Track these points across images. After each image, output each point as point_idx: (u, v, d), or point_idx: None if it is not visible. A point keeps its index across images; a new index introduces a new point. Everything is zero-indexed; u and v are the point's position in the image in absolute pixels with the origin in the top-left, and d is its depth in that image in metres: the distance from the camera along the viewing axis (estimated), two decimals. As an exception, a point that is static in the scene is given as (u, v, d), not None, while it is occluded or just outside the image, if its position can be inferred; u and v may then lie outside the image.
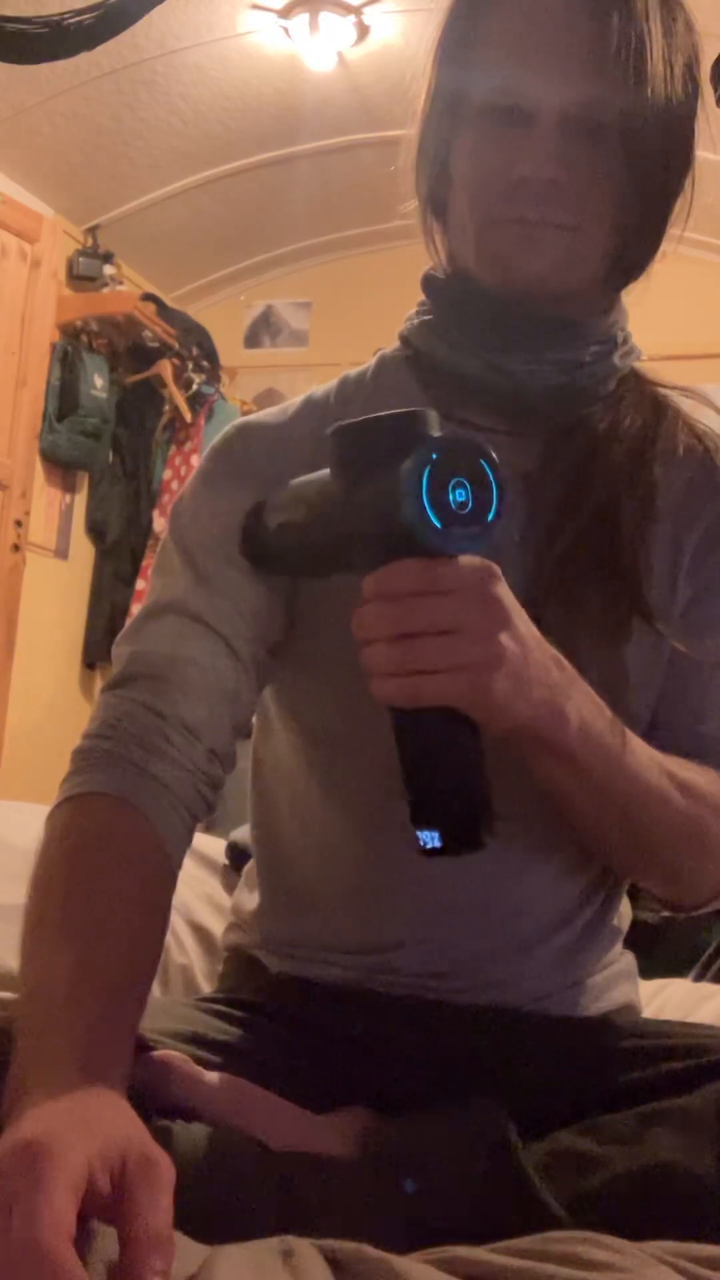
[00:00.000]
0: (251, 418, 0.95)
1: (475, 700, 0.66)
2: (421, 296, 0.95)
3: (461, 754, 0.68)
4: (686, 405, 0.95)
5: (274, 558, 0.81)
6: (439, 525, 0.63)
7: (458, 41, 0.85)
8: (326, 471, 0.72)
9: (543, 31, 0.81)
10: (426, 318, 0.92)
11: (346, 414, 0.92)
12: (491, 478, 0.65)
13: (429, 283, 0.93)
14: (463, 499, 0.64)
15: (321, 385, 0.96)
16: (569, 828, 0.85)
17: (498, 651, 0.66)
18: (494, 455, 0.66)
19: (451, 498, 0.64)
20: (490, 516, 0.65)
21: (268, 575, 0.84)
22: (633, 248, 0.86)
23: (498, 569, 0.67)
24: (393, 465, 0.64)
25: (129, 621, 0.89)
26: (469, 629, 0.65)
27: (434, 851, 0.67)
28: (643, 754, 0.80)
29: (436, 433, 0.66)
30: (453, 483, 0.64)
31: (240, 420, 0.95)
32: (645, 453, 0.89)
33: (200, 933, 1.28)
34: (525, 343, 0.87)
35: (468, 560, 0.66)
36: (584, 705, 0.75)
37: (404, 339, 0.94)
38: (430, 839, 0.67)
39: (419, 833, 0.67)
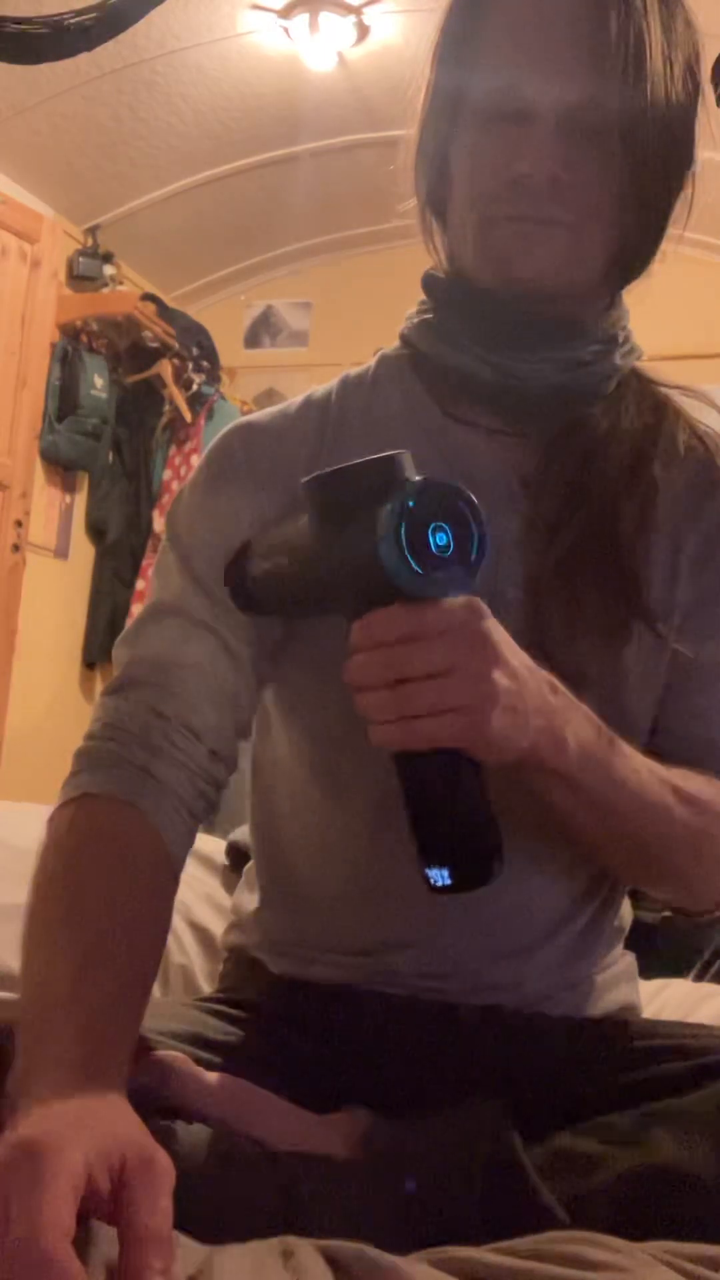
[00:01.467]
0: (251, 417, 0.95)
1: (474, 739, 0.66)
2: (422, 296, 0.95)
3: (465, 791, 0.67)
4: (688, 405, 0.95)
5: (259, 602, 0.81)
6: (420, 572, 0.63)
7: (457, 40, 0.85)
8: (305, 519, 0.72)
9: (541, 29, 0.81)
10: (427, 317, 0.92)
11: (347, 414, 0.92)
12: (471, 518, 0.65)
13: (429, 282, 0.93)
14: (444, 542, 0.64)
15: (322, 385, 0.95)
16: (572, 840, 0.85)
17: (491, 690, 0.65)
18: (472, 496, 0.66)
19: (432, 542, 0.64)
20: (473, 556, 0.65)
21: (255, 617, 0.84)
22: (633, 246, 0.86)
23: (484, 606, 0.67)
24: (370, 514, 0.64)
25: (129, 623, 0.89)
26: (461, 670, 0.65)
27: (444, 889, 0.67)
28: (644, 769, 0.80)
29: (412, 476, 0.66)
30: (432, 527, 0.64)
31: (239, 420, 0.95)
32: (646, 453, 0.89)
33: (200, 933, 1.28)
34: (525, 341, 0.87)
35: (453, 601, 0.66)
36: (581, 726, 0.74)
37: (404, 338, 0.94)
38: (440, 877, 0.67)
39: (428, 871, 0.67)
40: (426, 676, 0.64)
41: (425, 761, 0.67)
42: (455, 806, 0.67)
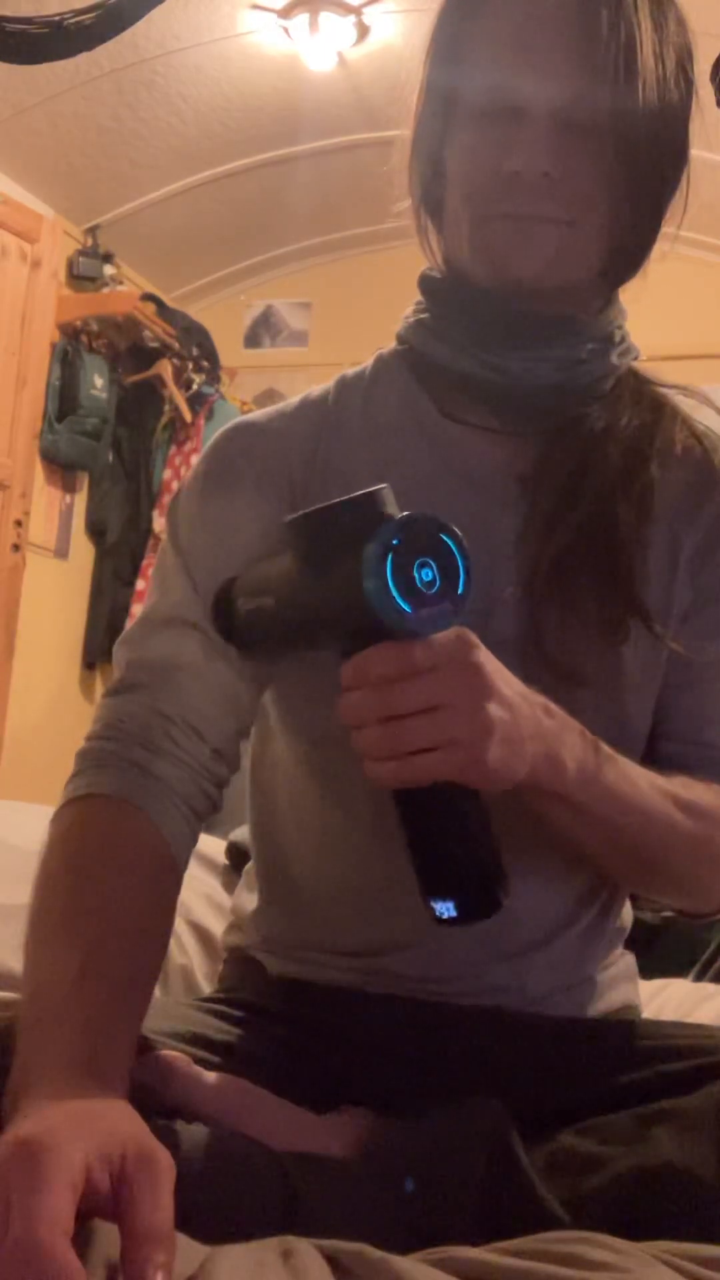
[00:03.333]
0: (247, 418, 0.95)
1: (471, 772, 0.66)
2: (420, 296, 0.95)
3: (466, 823, 0.67)
4: (686, 405, 0.94)
5: (247, 640, 0.80)
6: (409, 610, 0.63)
7: (450, 40, 0.85)
8: (289, 558, 0.71)
9: (533, 28, 0.81)
10: (423, 316, 0.92)
11: (344, 414, 0.92)
12: (456, 551, 0.65)
13: (425, 282, 0.93)
14: (430, 578, 0.64)
15: (319, 385, 0.95)
16: (575, 854, 0.85)
17: (486, 722, 0.65)
18: (455, 529, 0.65)
19: (418, 578, 0.63)
20: (460, 589, 0.65)
21: (244, 655, 0.83)
22: (627, 243, 0.86)
23: (474, 637, 0.67)
24: (355, 553, 0.63)
25: (129, 623, 0.89)
26: (454, 704, 0.65)
27: (451, 921, 0.66)
28: (642, 781, 0.80)
29: (394, 511, 0.65)
30: (418, 563, 0.63)
31: (236, 421, 0.95)
32: (643, 452, 0.88)
33: (200, 933, 1.28)
34: (521, 340, 0.86)
35: (443, 634, 0.65)
36: (577, 746, 0.74)
37: (401, 338, 0.94)
38: (446, 910, 0.66)
39: (433, 904, 0.67)
40: (420, 712, 0.64)
41: (424, 796, 0.66)
42: (457, 839, 0.67)
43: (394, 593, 0.63)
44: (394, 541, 0.63)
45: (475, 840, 0.67)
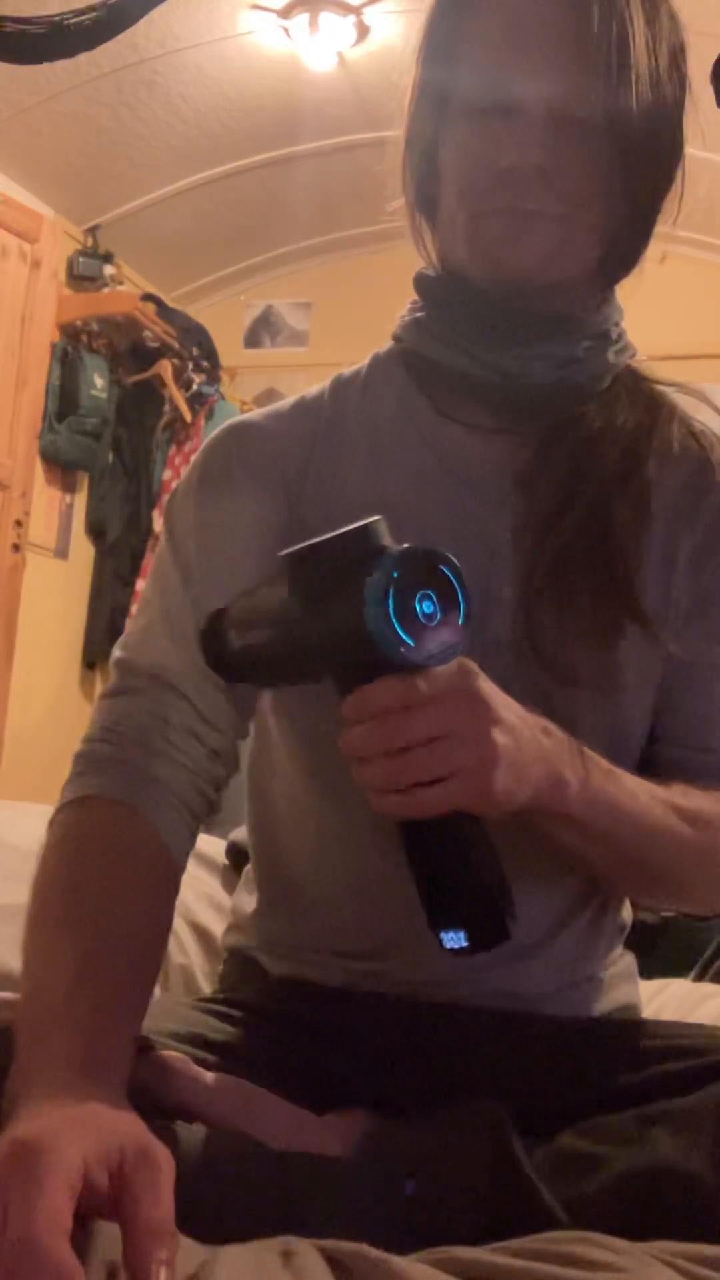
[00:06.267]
0: (243, 418, 0.94)
1: (479, 799, 0.66)
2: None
3: (474, 852, 0.67)
4: (686, 403, 0.94)
5: (240, 673, 0.80)
6: (411, 643, 0.63)
7: (442, 38, 0.85)
8: (284, 591, 0.70)
9: (525, 24, 0.81)
10: (418, 315, 0.92)
11: (339, 415, 0.92)
12: (455, 583, 0.65)
13: (421, 281, 0.93)
14: (430, 610, 0.64)
15: (314, 386, 0.95)
16: (579, 868, 0.85)
17: (491, 749, 0.65)
18: (455, 560, 0.65)
19: (419, 610, 0.63)
20: (460, 620, 0.65)
21: (234, 684, 0.83)
22: (623, 239, 0.86)
23: (474, 665, 0.67)
24: (354, 587, 0.63)
25: (128, 624, 0.89)
26: (459, 733, 0.65)
27: (461, 951, 0.66)
28: (643, 794, 0.80)
29: (390, 543, 0.65)
30: (418, 595, 0.63)
31: (231, 422, 0.95)
32: (639, 451, 0.88)
33: (200, 933, 1.28)
34: (517, 337, 0.86)
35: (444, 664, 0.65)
36: (578, 765, 0.75)
37: (397, 338, 0.94)
38: (455, 940, 0.66)
39: (442, 934, 0.66)
40: (425, 743, 0.64)
41: (431, 827, 0.66)
42: (465, 868, 0.67)
43: (396, 626, 0.62)
44: (394, 574, 0.62)
45: (483, 869, 0.67)
